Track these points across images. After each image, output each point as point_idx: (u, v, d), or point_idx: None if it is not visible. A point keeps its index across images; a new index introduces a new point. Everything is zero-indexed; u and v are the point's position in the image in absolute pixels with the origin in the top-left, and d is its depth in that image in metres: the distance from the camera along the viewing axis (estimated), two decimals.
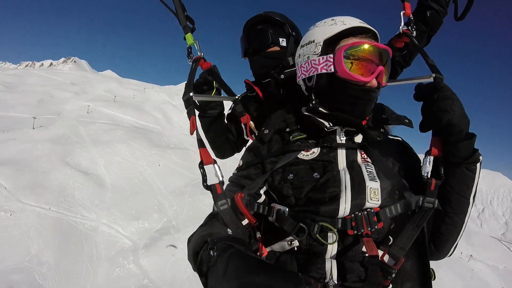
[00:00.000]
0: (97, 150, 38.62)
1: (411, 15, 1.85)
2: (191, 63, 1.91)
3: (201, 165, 1.42)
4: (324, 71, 1.49)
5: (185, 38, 1.95)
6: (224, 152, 2.67)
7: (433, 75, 1.46)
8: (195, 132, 1.56)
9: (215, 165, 1.44)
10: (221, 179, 1.44)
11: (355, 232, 1.33)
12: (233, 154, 2.73)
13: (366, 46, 1.44)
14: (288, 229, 1.36)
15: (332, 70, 1.46)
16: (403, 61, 2.20)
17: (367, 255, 1.29)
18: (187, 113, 1.59)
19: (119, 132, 40.97)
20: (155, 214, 36.61)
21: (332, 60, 1.46)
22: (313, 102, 1.57)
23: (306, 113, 1.62)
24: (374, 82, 1.46)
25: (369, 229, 1.33)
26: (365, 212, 1.35)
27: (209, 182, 1.41)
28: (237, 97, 2.23)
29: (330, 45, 1.51)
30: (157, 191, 41.91)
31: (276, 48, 2.36)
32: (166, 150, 44.24)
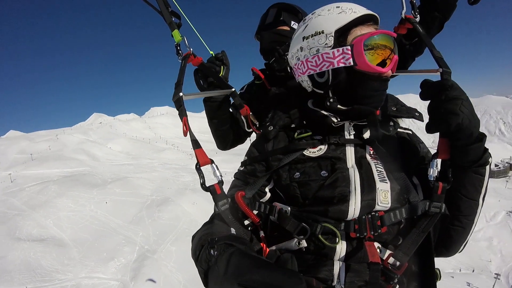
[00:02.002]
0: (40, 214, 37.30)
1: None
2: (180, 61, 1.86)
3: (198, 166, 1.39)
4: (341, 64, 1.38)
5: (172, 36, 1.88)
6: (227, 142, 2.62)
7: (440, 69, 1.36)
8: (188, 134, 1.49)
9: (213, 164, 1.41)
10: (220, 178, 1.43)
11: (358, 235, 1.30)
12: (235, 146, 2.68)
13: (383, 36, 1.37)
14: (290, 229, 1.34)
15: (352, 64, 1.36)
16: (414, 50, 2.06)
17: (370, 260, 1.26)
18: (178, 114, 1.54)
19: (52, 187, 39.67)
20: (126, 247, 38.41)
21: (350, 52, 1.36)
22: (331, 100, 1.45)
23: (312, 108, 1.54)
24: (389, 72, 1.41)
25: (372, 232, 1.30)
26: (369, 216, 1.31)
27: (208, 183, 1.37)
28: (233, 89, 2.11)
29: (340, 35, 1.41)
30: (116, 226, 42.91)
31: (286, 28, 2.47)
32: (106, 186, 44.60)
